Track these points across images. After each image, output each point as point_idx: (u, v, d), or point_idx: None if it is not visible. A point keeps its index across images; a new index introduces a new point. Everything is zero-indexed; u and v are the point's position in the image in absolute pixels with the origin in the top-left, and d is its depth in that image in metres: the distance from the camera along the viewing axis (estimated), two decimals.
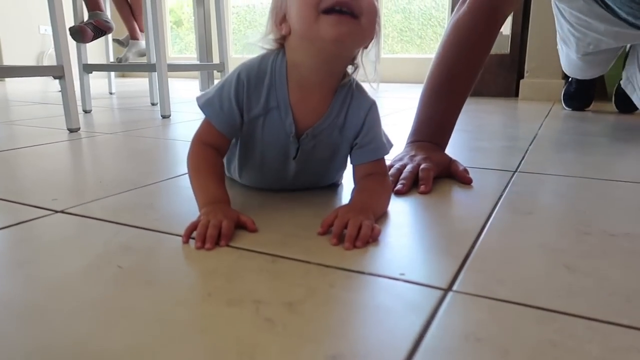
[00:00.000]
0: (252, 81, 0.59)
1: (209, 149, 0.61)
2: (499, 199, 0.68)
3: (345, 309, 0.38)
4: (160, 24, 1.59)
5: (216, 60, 2.06)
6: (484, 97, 2.35)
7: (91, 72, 1.77)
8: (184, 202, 0.64)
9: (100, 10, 2.11)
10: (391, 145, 0.66)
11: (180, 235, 0.52)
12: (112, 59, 2.68)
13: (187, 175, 0.61)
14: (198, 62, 2.28)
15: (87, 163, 0.98)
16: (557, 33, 1.42)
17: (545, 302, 0.39)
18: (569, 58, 1.37)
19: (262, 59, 0.60)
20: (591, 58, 1.30)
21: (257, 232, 0.54)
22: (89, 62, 1.83)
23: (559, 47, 1.45)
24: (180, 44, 4.88)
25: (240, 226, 0.54)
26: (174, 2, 4.71)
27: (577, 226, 0.57)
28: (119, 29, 2.82)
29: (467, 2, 0.84)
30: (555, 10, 1.34)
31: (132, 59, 2.46)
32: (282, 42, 0.59)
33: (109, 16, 2.59)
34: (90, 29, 1.93)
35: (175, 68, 1.67)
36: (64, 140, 1.16)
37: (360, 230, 0.50)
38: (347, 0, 0.51)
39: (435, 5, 3.82)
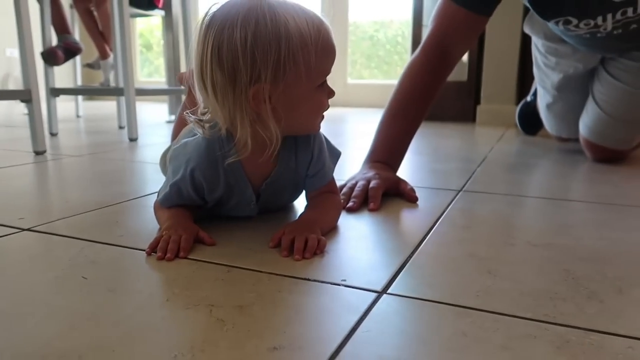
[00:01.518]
0: (208, 178, 0.62)
1: None
2: (441, 215, 0.74)
3: (289, 310, 0.43)
4: (129, 47, 1.64)
5: None
6: (444, 122, 2.46)
7: (58, 96, 1.79)
8: (148, 220, 0.68)
9: (69, 33, 2.15)
10: (338, 156, 0.72)
11: (143, 250, 0.56)
12: (80, 82, 2.70)
13: (151, 194, 0.65)
14: (166, 87, 2.32)
15: (53, 184, 1.01)
16: (538, 85, 1.47)
17: (464, 301, 0.45)
18: (548, 109, 1.43)
19: (207, 148, 0.61)
20: (565, 97, 1.35)
21: (215, 245, 0.58)
22: (57, 85, 1.85)
23: (540, 107, 1.51)
24: (150, 67, 4.90)
25: (199, 240, 0.59)
26: (143, 25, 4.75)
27: (505, 238, 0.64)
28: (89, 51, 2.84)
29: (422, 45, 0.93)
30: (533, 51, 1.40)
31: (112, 79, 2.48)
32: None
33: (77, 38, 2.61)
34: (61, 52, 1.96)
35: (142, 92, 1.70)
36: (30, 162, 1.18)
37: (308, 243, 0.55)
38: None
39: (400, 33, 3.98)
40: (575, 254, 0.57)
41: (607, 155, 1.21)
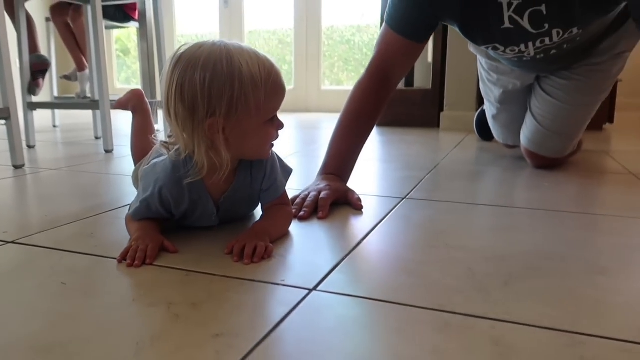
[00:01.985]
0: (174, 195, 0.71)
1: None
2: (381, 221, 0.85)
3: (233, 306, 0.53)
4: (103, 61, 1.71)
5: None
6: (410, 128, 2.58)
7: (35, 110, 1.85)
8: (119, 232, 0.77)
9: (37, 52, 2.20)
10: (289, 173, 0.82)
11: (115, 258, 0.65)
12: (56, 93, 2.75)
13: (123, 207, 0.74)
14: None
15: (33, 198, 1.08)
16: (484, 98, 1.58)
17: (380, 295, 0.55)
18: (494, 120, 1.56)
19: (173, 169, 0.70)
20: (507, 109, 1.46)
21: (178, 253, 0.68)
22: (33, 100, 1.91)
23: (487, 118, 1.61)
24: (128, 72, 4.94)
25: (164, 249, 0.68)
26: (121, 31, 4.78)
27: (429, 242, 0.75)
28: (66, 63, 2.88)
29: (367, 69, 1.04)
30: (479, 68, 1.52)
31: (88, 91, 2.54)
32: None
33: (53, 50, 2.67)
34: (40, 79, 2.03)
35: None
36: (9, 177, 1.26)
37: (256, 249, 0.65)
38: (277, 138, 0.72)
39: (377, 37, 4.11)
40: (482, 255, 0.68)
41: (545, 162, 1.34)
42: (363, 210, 0.92)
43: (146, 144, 0.92)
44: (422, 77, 2.78)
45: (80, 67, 2.54)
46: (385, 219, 0.86)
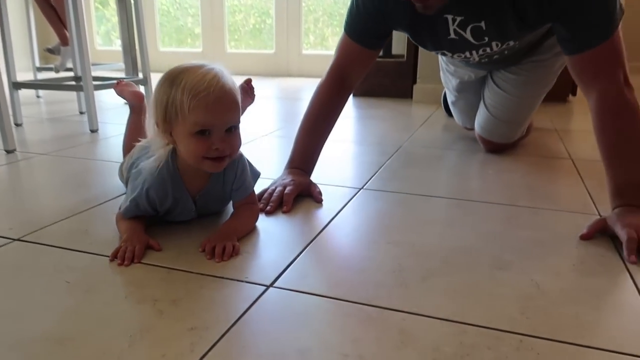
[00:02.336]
0: (160, 194, 0.84)
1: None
2: (336, 215, 0.99)
3: (205, 302, 0.67)
4: (85, 41, 1.77)
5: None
6: (385, 98, 2.69)
7: (20, 89, 1.93)
8: (111, 227, 0.90)
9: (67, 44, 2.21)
10: (257, 176, 0.95)
11: (108, 256, 0.79)
12: (37, 63, 2.78)
13: (112, 199, 0.87)
14: (124, 76, 2.44)
15: (29, 189, 1.20)
16: (444, 86, 1.72)
17: (323, 291, 0.69)
18: (453, 105, 1.68)
19: (159, 172, 0.83)
20: (464, 97, 1.59)
21: (161, 251, 0.81)
22: (17, 67, 1.98)
23: (449, 103, 1.74)
24: (107, 25, 4.88)
25: (149, 247, 0.82)
26: None
27: (374, 237, 0.89)
28: (49, 36, 2.90)
29: (327, 72, 1.16)
30: (439, 58, 1.63)
31: (67, 65, 2.59)
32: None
33: (33, 23, 2.69)
34: None
35: (100, 87, 1.86)
36: (4, 163, 1.36)
37: (225, 249, 0.79)
38: (222, 154, 0.80)
39: None
40: (412, 250, 0.83)
41: (496, 147, 1.48)
42: (323, 202, 1.05)
43: (136, 141, 1.05)
44: (397, 50, 2.86)
45: (64, 42, 2.57)
46: (341, 213, 1.00)
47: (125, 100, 1.30)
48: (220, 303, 0.67)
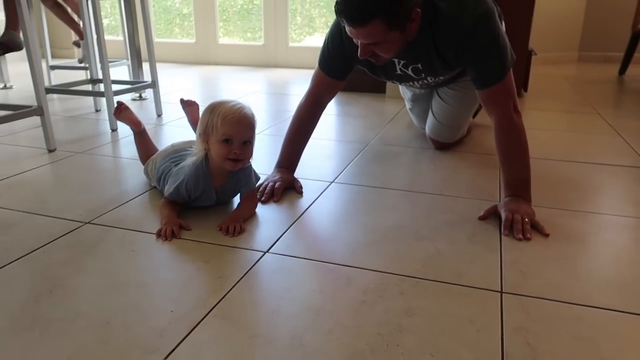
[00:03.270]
0: (194, 184, 1.22)
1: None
2: (313, 202, 1.37)
3: (225, 261, 1.05)
4: (104, 49, 2.10)
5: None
6: (361, 93, 3.06)
7: (49, 94, 2.26)
8: (149, 214, 1.27)
9: (17, 31, 2.48)
10: (258, 179, 1.33)
11: (152, 233, 1.17)
12: (50, 58, 3.08)
13: (146, 193, 1.24)
14: (131, 79, 2.76)
15: (79, 183, 1.55)
16: (402, 96, 2.11)
17: (308, 255, 1.08)
18: (410, 111, 2.07)
19: (195, 170, 1.21)
20: (418, 105, 1.97)
21: (191, 230, 1.19)
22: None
23: (407, 108, 2.12)
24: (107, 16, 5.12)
25: (182, 227, 1.19)
26: None
27: (337, 219, 1.28)
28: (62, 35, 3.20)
29: (305, 95, 1.52)
30: None
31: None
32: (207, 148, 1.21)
33: (45, 24, 2.99)
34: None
35: (118, 92, 2.20)
36: (51, 162, 1.72)
37: (235, 228, 1.17)
38: (238, 158, 1.18)
39: None
40: (365, 228, 1.22)
41: (442, 145, 1.87)
42: (303, 194, 1.44)
43: (150, 152, 1.48)
44: None
45: (82, 36, 2.87)
46: (316, 201, 1.39)
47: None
48: (235, 262, 1.05)
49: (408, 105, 2.04)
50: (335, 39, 1.41)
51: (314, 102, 1.52)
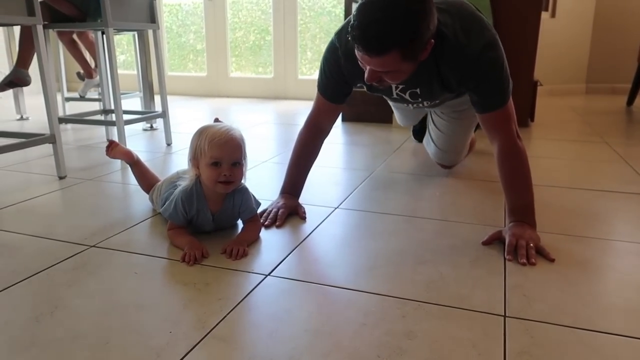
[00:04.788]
0: (188, 202, 1.24)
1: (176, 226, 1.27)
2: (316, 228, 1.37)
3: (226, 284, 1.05)
4: (117, 85, 2.16)
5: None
6: (369, 123, 3.09)
7: (63, 123, 2.32)
8: (155, 237, 1.29)
9: (26, 68, 2.59)
10: (259, 205, 1.34)
11: (158, 256, 1.17)
12: (65, 86, 3.18)
13: (152, 217, 1.25)
14: (142, 109, 2.83)
15: (87, 208, 1.58)
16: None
17: (307, 278, 1.08)
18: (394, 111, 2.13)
19: (190, 190, 1.23)
20: (397, 110, 2.04)
21: (208, 257, 1.19)
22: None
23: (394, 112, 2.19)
24: (117, 50, 5.28)
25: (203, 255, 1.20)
26: None
27: (340, 244, 1.28)
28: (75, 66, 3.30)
29: (306, 121, 1.54)
30: None
31: (89, 93, 3.03)
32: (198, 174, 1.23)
33: (62, 57, 3.09)
34: (7, 88, 2.47)
35: (128, 122, 2.25)
36: (61, 188, 1.75)
37: (239, 251, 1.17)
38: (229, 180, 1.20)
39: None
40: (366, 252, 1.21)
41: (446, 166, 1.90)
42: (307, 219, 1.44)
43: (150, 181, 1.52)
44: None
45: (89, 75, 2.97)
46: (320, 226, 1.39)
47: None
48: (236, 285, 1.05)
49: (393, 109, 2.09)
50: (332, 65, 1.42)
51: (316, 127, 1.54)
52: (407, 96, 1.48)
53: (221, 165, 1.19)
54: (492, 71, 1.28)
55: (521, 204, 1.28)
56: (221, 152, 1.18)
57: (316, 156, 1.56)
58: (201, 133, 1.20)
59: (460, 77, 1.32)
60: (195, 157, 1.21)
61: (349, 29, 1.14)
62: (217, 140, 1.17)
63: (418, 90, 1.44)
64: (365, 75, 1.22)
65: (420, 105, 1.55)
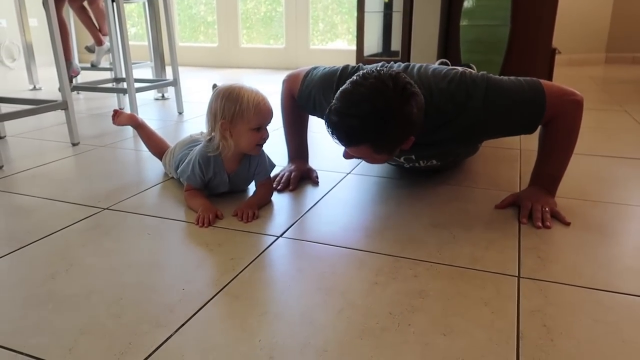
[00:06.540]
0: (204, 164, 1.23)
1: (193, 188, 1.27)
2: (327, 192, 1.36)
3: (239, 244, 1.05)
4: (128, 51, 2.15)
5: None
6: None
7: (74, 91, 2.32)
8: (166, 200, 1.29)
9: (70, 60, 2.60)
10: (273, 166, 1.33)
11: (169, 218, 1.18)
12: (77, 61, 3.17)
13: (163, 182, 1.25)
14: (154, 77, 2.81)
15: (100, 173, 1.59)
16: None
17: (319, 239, 1.08)
18: None
19: (204, 152, 1.23)
20: None
21: (222, 219, 1.19)
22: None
23: None
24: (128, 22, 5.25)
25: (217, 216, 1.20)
26: None
27: (352, 207, 1.27)
28: (87, 36, 3.29)
29: (285, 95, 1.49)
30: None
31: (102, 61, 3.01)
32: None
33: (73, 27, 3.08)
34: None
35: (140, 89, 2.24)
36: (74, 154, 1.76)
37: (250, 214, 1.17)
38: (263, 143, 1.21)
39: None
40: (379, 214, 1.20)
41: None
42: (319, 183, 1.43)
43: (157, 143, 1.53)
44: (396, 43, 3.20)
45: (99, 42, 2.95)
46: (332, 190, 1.38)
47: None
48: (248, 245, 1.05)
49: None
50: (321, 96, 1.32)
51: (294, 99, 1.45)
52: (401, 160, 1.39)
53: (261, 130, 1.21)
54: (509, 109, 1.15)
55: (549, 173, 1.23)
56: (265, 118, 1.20)
57: (307, 117, 1.52)
58: (236, 98, 1.16)
59: (473, 133, 1.22)
60: (232, 122, 1.17)
61: (329, 109, 1.08)
62: (262, 106, 1.18)
63: (413, 157, 1.35)
64: (343, 151, 1.16)
65: (417, 165, 1.42)
